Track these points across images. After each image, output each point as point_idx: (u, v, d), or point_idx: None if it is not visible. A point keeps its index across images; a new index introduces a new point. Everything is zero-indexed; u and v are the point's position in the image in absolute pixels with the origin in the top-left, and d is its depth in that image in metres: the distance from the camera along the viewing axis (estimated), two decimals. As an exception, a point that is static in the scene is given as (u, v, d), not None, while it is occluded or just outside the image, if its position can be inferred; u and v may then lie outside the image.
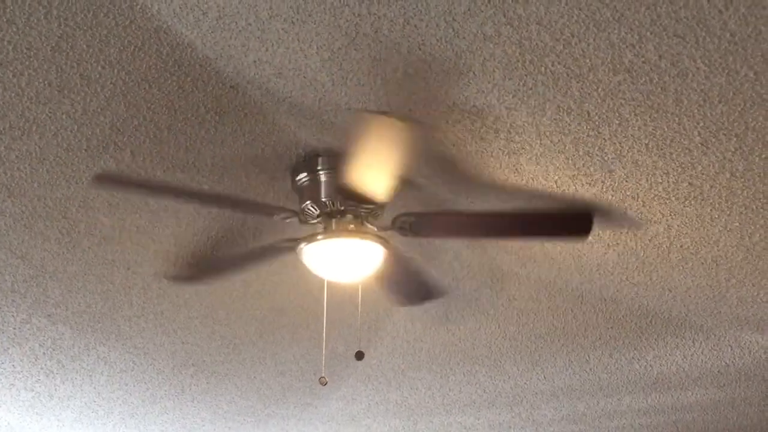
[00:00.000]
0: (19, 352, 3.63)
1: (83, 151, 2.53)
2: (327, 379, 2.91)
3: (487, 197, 2.73)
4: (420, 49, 2.02)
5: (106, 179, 2.48)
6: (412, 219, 2.64)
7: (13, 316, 3.35)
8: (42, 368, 3.80)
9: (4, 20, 2.04)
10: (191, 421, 4.61)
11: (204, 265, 2.97)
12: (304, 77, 2.23)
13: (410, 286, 2.91)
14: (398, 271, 2.82)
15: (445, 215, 2.72)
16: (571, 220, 2.65)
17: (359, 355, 2.63)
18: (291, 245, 2.67)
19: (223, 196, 2.67)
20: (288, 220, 2.63)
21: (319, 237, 2.63)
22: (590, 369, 4.11)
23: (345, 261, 2.63)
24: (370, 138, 2.17)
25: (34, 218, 2.80)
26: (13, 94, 2.28)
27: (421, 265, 2.99)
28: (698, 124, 2.14)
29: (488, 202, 2.76)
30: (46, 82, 2.25)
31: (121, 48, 2.17)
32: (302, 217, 2.64)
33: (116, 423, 4.55)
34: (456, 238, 3.00)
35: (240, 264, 2.85)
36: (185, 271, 3.02)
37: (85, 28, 2.10)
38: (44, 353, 3.66)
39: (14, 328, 3.43)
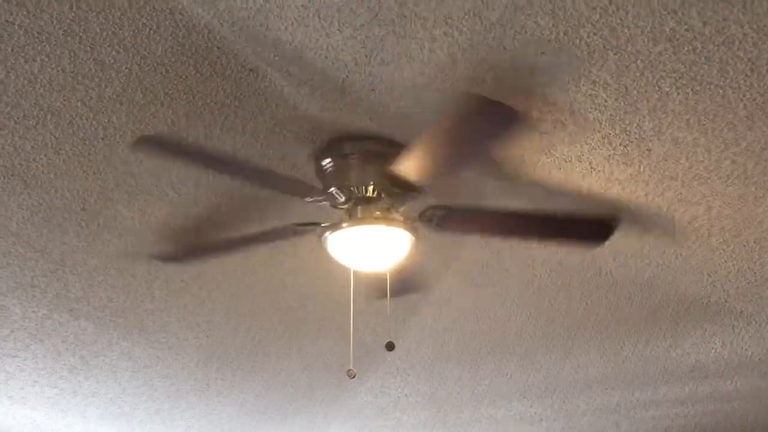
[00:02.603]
0: (42, 348, 3.58)
1: (100, 140, 2.46)
2: (356, 372, 2.82)
3: (516, 181, 2.63)
4: (446, 23, 1.92)
5: (149, 142, 2.33)
6: (442, 212, 2.56)
7: (34, 311, 3.29)
8: (65, 364, 3.75)
9: (14, 3, 1.97)
10: (217, 416, 4.56)
11: (198, 245, 2.88)
12: (326, 57, 2.14)
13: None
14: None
15: (474, 212, 2.64)
16: (592, 226, 2.62)
17: (390, 346, 2.54)
18: (306, 230, 2.60)
19: (264, 170, 2.54)
20: (320, 203, 2.55)
21: (344, 225, 2.54)
22: (625, 358, 4.00)
23: (372, 249, 2.55)
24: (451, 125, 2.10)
25: (52, 211, 2.73)
26: (26, 81, 2.20)
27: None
28: (744, 96, 2.03)
29: (516, 187, 2.66)
30: (59, 68, 2.18)
31: (136, 31, 2.09)
32: (333, 201, 2.56)
33: (142, 419, 4.50)
34: (478, 235, 2.92)
35: (245, 244, 2.77)
36: (176, 250, 2.92)
37: (97, 10, 2.02)
38: (67, 349, 3.61)
39: (36, 324, 3.38)
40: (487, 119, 2.04)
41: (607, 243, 2.98)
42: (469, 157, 2.31)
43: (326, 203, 2.58)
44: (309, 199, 2.55)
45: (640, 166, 2.42)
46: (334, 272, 3.23)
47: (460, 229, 2.72)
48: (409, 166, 2.33)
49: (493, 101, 2.01)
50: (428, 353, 4.00)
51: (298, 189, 2.56)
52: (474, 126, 2.07)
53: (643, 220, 2.77)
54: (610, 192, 2.60)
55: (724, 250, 2.90)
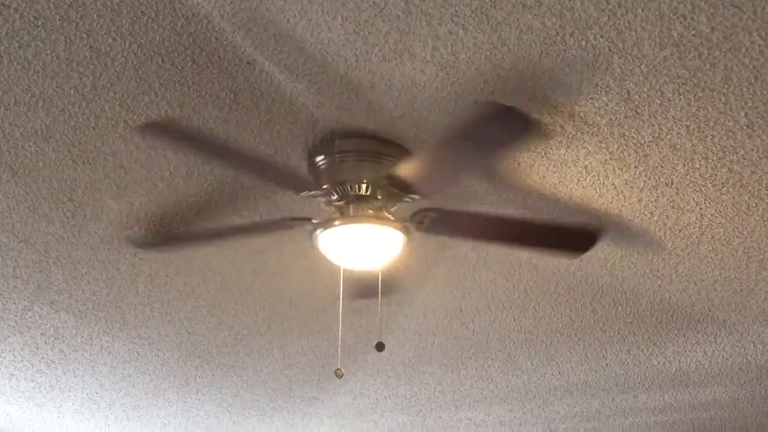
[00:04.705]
0: (20, 340, 3.52)
1: (91, 129, 2.41)
2: (343, 372, 2.79)
3: (509, 184, 2.62)
4: (452, 21, 1.90)
5: (156, 127, 2.30)
6: (433, 215, 2.55)
7: (14, 303, 3.23)
8: (43, 358, 3.69)
9: (11, -14, 1.93)
10: (195, 414, 4.51)
11: (184, 233, 2.85)
12: (326, 52, 2.11)
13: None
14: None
15: (465, 216, 2.62)
16: (575, 236, 2.63)
17: (380, 347, 2.52)
18: (298, 224, 2.59)
19: (260, 161, 2.50)
20: (317, 198, 2.53)
21: (336, 222, 2.52)
22: (606, 365, 4.00)
23: (364, 248, 2.52)
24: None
25: (39, 200, 2.68)
26: (18, 67, 2.16)
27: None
28: (746, 103, 2.03)
29: (509, 190, 2.65)
30: (53, 55, 2.13)
31: (134, 19, 2.06)
32: (325, 197, 2.54)
33: (118, 415, 4.44)
34: (467, 239, 2.91)
35: (235, 234, 2.75)
36: (159, 237, 2.89)
37: (96, -4, 1.98)
38: (46, 342, 3.55)
39: (15, 316, 3.32)
40: (501, 126, 2.01)
41: (594, 250, 2.98)
42: (477, 164, 2.29)
43: (319, 199, 2.56)
44: (302, 194, 2.52)
45: (635, 171, 2.42)
46: (320, 270, 3.20)
47: (450, 232, 2.71)
48: (412, 169, 2.32)
49: (509, 107, 1.99)
50: (410, 355, 3.97)
51: (292, 182, 2.52)
52: (486, 133, 2.05)
53: (633, 227, 2.77)
54: (604, 197, 2.60)
55: (712, 258, 2.91)
